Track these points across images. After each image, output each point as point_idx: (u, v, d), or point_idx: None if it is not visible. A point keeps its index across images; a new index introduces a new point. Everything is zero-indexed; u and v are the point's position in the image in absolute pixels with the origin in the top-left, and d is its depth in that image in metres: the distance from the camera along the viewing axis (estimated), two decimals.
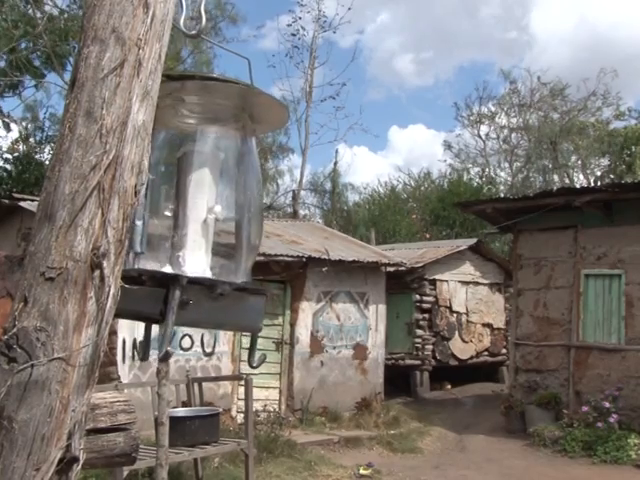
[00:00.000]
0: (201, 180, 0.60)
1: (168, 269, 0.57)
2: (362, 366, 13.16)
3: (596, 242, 11.45)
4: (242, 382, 8.13)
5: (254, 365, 0.67)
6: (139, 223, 0.56)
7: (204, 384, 7.84)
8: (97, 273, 0.51)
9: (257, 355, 0.65)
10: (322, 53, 34.95)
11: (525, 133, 29.80)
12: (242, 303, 0.58)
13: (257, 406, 10.25)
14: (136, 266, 0.54)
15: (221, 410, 7.82)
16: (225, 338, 11.02)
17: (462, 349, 15.95)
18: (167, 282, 0.54)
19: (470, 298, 16.16)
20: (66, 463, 0.50)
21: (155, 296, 0.55)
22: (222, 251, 0.60)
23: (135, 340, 9.19)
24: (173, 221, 0.59)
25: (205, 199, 0.59)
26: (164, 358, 0.53)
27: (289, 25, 25.04)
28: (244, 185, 0.61)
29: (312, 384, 12.23)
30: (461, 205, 15.34)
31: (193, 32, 0.61)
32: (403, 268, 14.17)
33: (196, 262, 0.58)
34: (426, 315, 15.47)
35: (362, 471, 9.32)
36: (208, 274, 0.57)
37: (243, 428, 7.78)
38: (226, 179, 0.60)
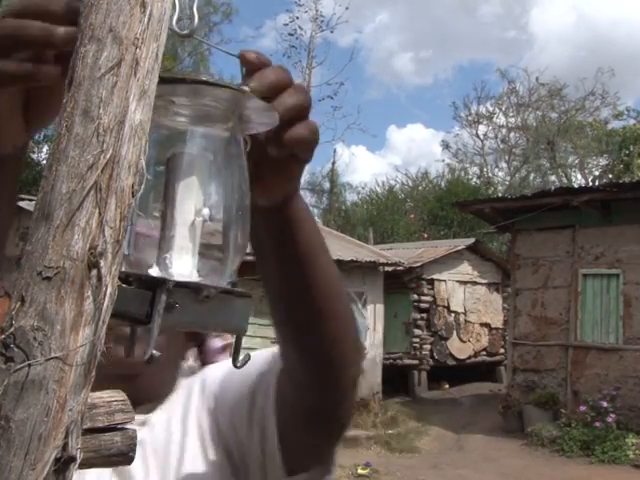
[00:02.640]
0: (190, 181, 0.60)
1: (154, 271, 0.58)
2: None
3: (594, 242, 11.47)
4: None
5: (238, 366, 0.68)
6: (128, 224, 0.56)
7: None
8: (94, 272, 0.51)
9: (241, 356, 0.66)
10: (320, 53, 34.97)
11: (523, 133, 29.84)
12: (228, 305, 0.58)
13: None
14: (123, 268, 0.55)
15: None
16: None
17: (460, 349, 15.98)
18: (154, 285, 0.55)
19: (468, 298, 16.18)
20: (63, 462, 0.50)
21: (141, 298, 0.55)
22: (209, 253, 0.60)
23: None
24: (160, 222, 0.59)
25: (193, 201, 0.59)
26: (149, 361, 0.54)
27: (286, 25, 25.06)
28: (232, 186, 0.62)
29: None
30: (459, 205, 15.35)
31: (185, 32, 0.61)
32: (401, 268, 14.18)
33: (183, 264, 0.58)
34: (424, 315, 15.49)
35: (360, 471, 9.33)
36: (195, 276, 0.57)
37: None
38: (215, 180, 0.61)
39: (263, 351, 1.08)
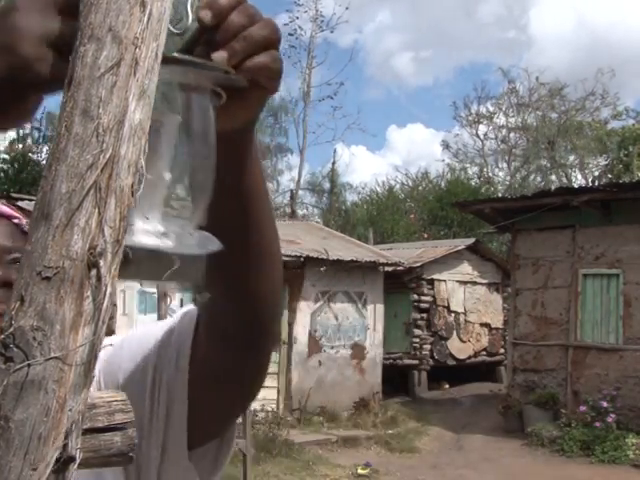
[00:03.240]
0: (154, 144, 0.61)
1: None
2: (360, 366, 13.17)
3: (594, 242, 11.47)
4: None
5: (198, 301, 0.71)
6: None
7: None
8: (94, 272, 0.51)
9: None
10: (320, 53, 34.99)
11: (523, 133, 29.84)
12: (184, 261, 0.61)
13: (255, 406, 10.26)
14: None
15: None
16: None
17: (460, 349, 15.97)
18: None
19: (468, 298, 16.18)
20: (63, 462, 0.50)
21: None
22: (172, 209, 0.63)
23: None
24: None
25: (159, 163, 0.61)
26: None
27: (286, 25, 25.06)
28: (197, 147, 0.63)
29: (310, 384, 12.24)
30: (459, 205, 15.37)
31: (178, 31, 0.61)
32: (401, 268, 14.18)
33: (146, 222, 0.60)
34: (424, 315, 15.48)
35: (360, 471, 9.33)
36: (159, 233, 0.60)
37: (241, 428, 7.79)
38: (181, 142, 0.63)
39: (157, 324, 1.04)
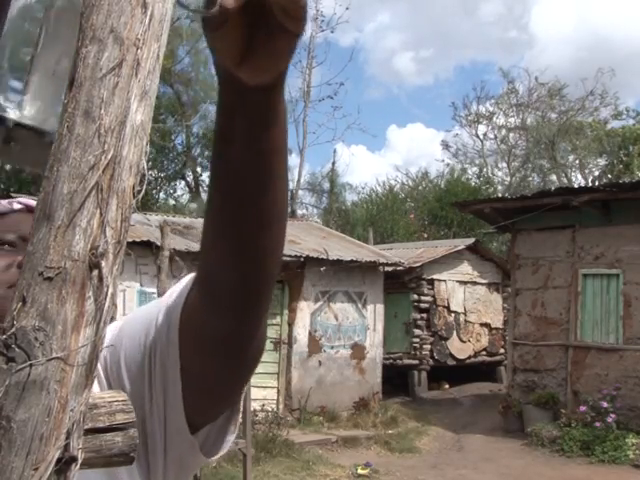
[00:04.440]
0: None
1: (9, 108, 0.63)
2: (360, 366, 13.17)
3: (594, 242, 11.46)
4: None
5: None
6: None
7: None
8: (95, 273, 0.51)
9: None
10: (320, 53, 35.01)
11: (523, 133, 29.82)
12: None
13: (255, 406, 10.25)
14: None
15: None
16: None
17: (460, 349, 15.96)
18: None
19: (468, 298, 16.17)
20: (65, 463, 0.50)
21: None
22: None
23: None
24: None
25: (54, 51, 0.65)
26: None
27: None
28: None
29: (310, 384, 12.23)
30: (459, 205, 15.35)
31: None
32: (401, 268, 14.17)
33: (36, 107, 0.62)
34: (424, 315, 15.47)
35: (360, 471, 9.32)
36: (52, 124, 0.61)
37: (241, 428, 7.79)
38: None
39: (157, 300, 1.03)
